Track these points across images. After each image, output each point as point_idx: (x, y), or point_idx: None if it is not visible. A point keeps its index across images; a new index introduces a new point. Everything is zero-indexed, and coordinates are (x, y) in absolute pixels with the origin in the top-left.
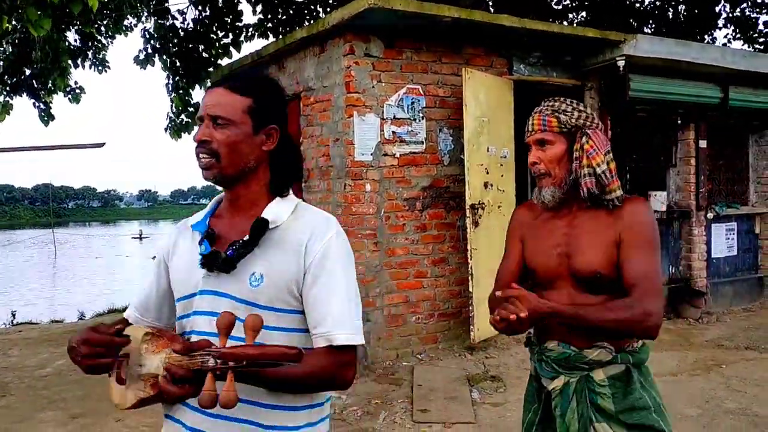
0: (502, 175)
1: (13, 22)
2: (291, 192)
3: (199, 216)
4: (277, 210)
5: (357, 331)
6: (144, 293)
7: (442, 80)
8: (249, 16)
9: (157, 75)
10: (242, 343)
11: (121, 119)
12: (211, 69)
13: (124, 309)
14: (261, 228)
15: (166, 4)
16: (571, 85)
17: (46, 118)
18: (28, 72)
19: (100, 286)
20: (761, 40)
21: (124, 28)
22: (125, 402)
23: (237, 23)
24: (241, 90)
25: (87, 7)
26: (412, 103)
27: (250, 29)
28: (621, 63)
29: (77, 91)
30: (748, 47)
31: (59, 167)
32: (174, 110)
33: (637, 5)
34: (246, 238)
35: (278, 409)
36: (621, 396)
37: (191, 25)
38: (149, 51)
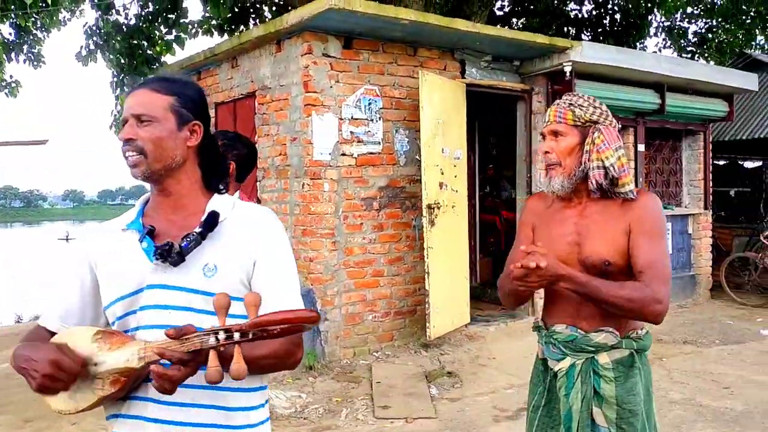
0: (455, 176)
1: None
2: (227, 190)
3: (128, 217)
4: (220, 204)
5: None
6: (65, 299)
7: (398, 82)
8: (193, 13)
9: (91, 71)
10: (243, 320)
11: (54, 116)
12: (155, 66)
13: None
14: (214, 220)
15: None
16: (520, 90)
17: None
18: None
19: (30, 288)
20: (689, 48)
21: (59, 21)
22: (77, 405)
23: (181, 20)
24: (162, 89)
25: None
26: (370, 103)
27: (194, 26)
28: (568, 68)
29: (13, 85)
30: (678, 55)
31: None
32: (119, 108)
33: (574, 13)
34: (198, 230)
35: (239, 392)
36: (623, 380)
37: (134, 21)
38: (91, 47)
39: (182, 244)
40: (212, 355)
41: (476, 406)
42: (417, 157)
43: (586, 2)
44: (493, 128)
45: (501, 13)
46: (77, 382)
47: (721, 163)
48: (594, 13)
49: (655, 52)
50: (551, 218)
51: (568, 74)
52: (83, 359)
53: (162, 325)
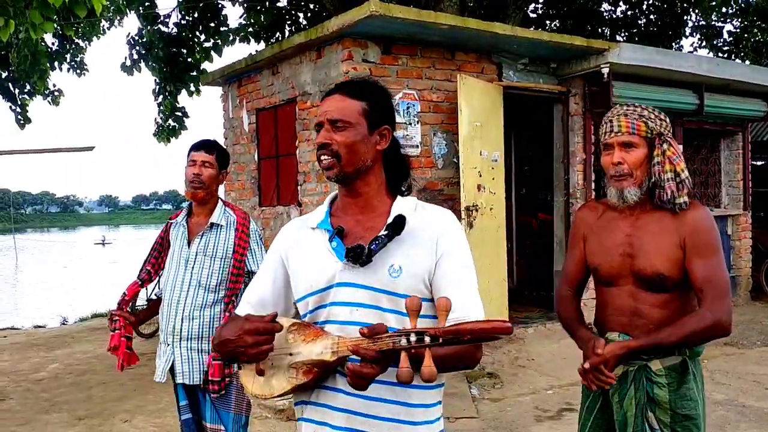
0: (493, 178)
1: None
2: (410, 191)
3: (318, 216)
4: (404, 207)
5: (484, 314)
6: (260, 289)
7: (436, 86)
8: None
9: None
10: (428, 320)
11: (94, 123)
12: (194, 73)
13: (108, 314)
14: (401, 224)
15: (157, 10)
16: (557, 91)
17: (22, 122)
18: (3, 75)
19: (72, 292)
20: (725, 48)
21: (100, 30)
22: (272, 391)
23: (221, 28)
24: (355, 95)
25: (91, 9)
26: (408, 107)
27: (230, 34)
28: (605, 70)
29: (56, 93)
30: (714, 55)
31: (15, 172)
32: (162, 115)
33: (608, 14)
34: (385, 232)
35: (420, 389)
36: (675, 386)
37: (175, 30)
38: (135, 57)
39: (371, 246)
40: (404, 356)
41: (518, 406)
42: (454, 159)
43: (620, 3)
44: (528, 130)
45: (534, 15)
46: (273, 370)
47: (759, 163)
48: (629, 13)
49: (691, 52)
50: (603, 229)
51: (605, 76)
52: (272, 314)
53: (349, 321)
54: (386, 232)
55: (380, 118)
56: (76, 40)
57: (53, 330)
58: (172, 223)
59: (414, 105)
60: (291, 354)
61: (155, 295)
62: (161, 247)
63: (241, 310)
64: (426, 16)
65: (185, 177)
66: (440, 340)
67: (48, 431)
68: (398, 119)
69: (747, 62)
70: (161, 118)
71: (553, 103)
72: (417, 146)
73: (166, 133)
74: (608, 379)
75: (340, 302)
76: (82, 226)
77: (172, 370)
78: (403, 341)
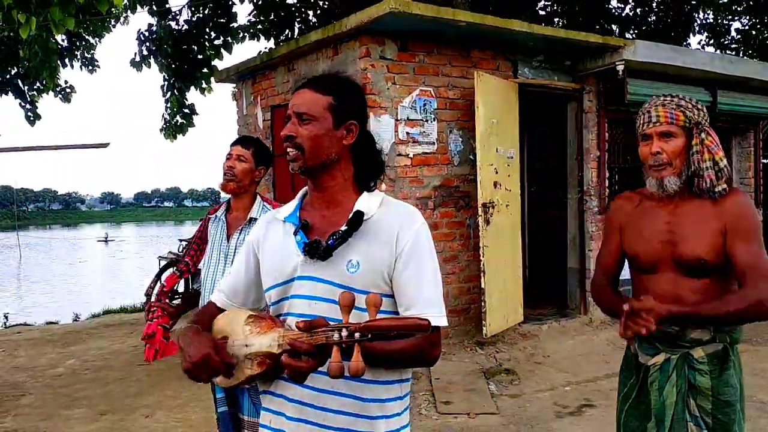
0: (509, 175)
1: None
2: (376, 186)
3: (288, 209)
4: (368, 203)
5: (443, 313)
6: (233, 278)
7: (452, 83)
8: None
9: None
10: (368, 319)
11: (100, 120)
12: (205, 70)
13: (120, 310)
14: (358, 220)
15: (167, 5)
16: (571, 89)
17: (32, 118)
18: (13, 71)
19: (82, 289)
20: (733, 46)
21: (108, 27)
22: (232, 380)
23: (231, 24)
24: (322, 89)
25: (112, 5)
26: (425, 104)
27: (240, 31)
28: (620, 67)
29: (67, 90)
30: (722, 52)
31: (17, 169)
32: (169, 111)
33: (617, 12)
34: (344, 228)
35: (376, 384)
36: (717, 372)
37: (185, 26)
38: (144, 53)
39: (329, 242)
40: (335, 350)
41: (537, 402)
42: (470, 156)
43: (630, 0)
44: (541, 127)
45: (543, 12)
46: (235, 359)
47: None
48: (638, 11)
49: (697, 49)
50: (640, 217)
51: (620, 73)
52: (228, 362)
53: (306, 314)
54: (345, 228)
55: (347, 113)
56: (86, 37)
57: (66, 326)
58: (210, 217)
59: (431, 102)
60: (247, 345)
61: (192, 289)
62: (200, 241)
63: (216, 298)
64: (444, 13)
65: (223, 170)
66: (368, 336)
67: (71, 426)
68: (415, 116)
69: (755, 60)
70: (169, 115)
71: (567, 101)
72: (433, 143)
73: (172, 129)
74: (646, 323)
75: (300, 295)
76: (84, 224)
77: None
78: (335, 336)
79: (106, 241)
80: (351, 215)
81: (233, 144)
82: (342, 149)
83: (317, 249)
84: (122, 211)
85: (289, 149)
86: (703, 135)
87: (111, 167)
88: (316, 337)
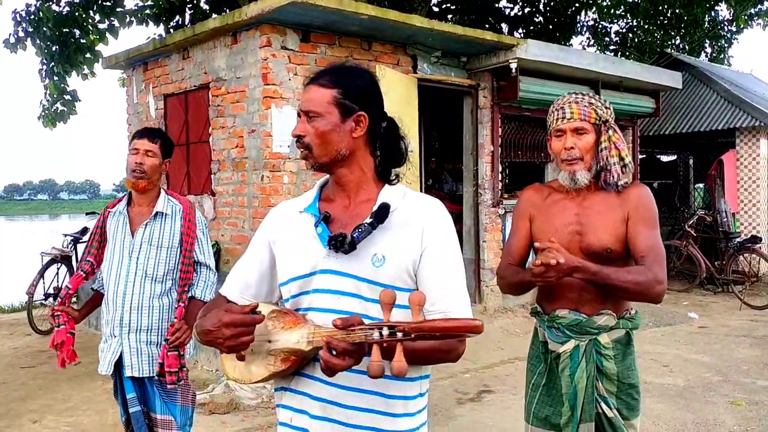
0: (409, 168)
1: None
2: (398, 177)
3: (306, 200)
4: (391, 195)
5: (469, 307)
6: (244, 271)
7: None
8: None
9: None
10: (414, 319)
11: None
12: (88, 55)
13: (50, 309)
14: (385, 213)
15: None
16: (467, 85)
17: None
18: None
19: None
20: (612, 47)
21: None
22: (251, 377)
23: (117, 8)
24: (327, 83)
25: None
26: None
27: (128, 16)
28: (514, 65)
29: None
30: (602, 53)
31: None
32: (48, 98)
33: (506, 11)
34: (369, 221)
35: (401, 381)
36: (621, 357)
37: (67, 8)
38: (20, 34)
39: (354, 235)
40: (375, 349)
41: (437, 390)
42: None
43: (518, 1)
44: (435, 122)
45: (437, 9)
46: (253, 356)
47: (641, 157)
48: (526, 11)
49: (582, 49)
50: (549, 209)
51: (513, 71)
52: (253, 305)
53: (331, 309)
54: (370, 220)
55: (354, 105)
56: None
57: None
58: (109, 212)
59: None
60: (270, 341)
61: (92, 288)
62: (101, 238)
63: (227, 291)
64: (346, 6)
65: (127, 165)
66: (412, 336)
67: None
68: None
69: (632, 60)
70: (48, 101)
71: (463, 97)
72: None
73: (52, 117)
74: (556, 256)
75: (323, 289)
76: None
77: (117, 362)
78: (376, 334)
79: None
80: (376, 208)
81: (138, 137)
82: (353, 142)
83: (343, 242)
84: None
85: (299, 149)
86: (610, 132)
87: None
88: (353, 335)
